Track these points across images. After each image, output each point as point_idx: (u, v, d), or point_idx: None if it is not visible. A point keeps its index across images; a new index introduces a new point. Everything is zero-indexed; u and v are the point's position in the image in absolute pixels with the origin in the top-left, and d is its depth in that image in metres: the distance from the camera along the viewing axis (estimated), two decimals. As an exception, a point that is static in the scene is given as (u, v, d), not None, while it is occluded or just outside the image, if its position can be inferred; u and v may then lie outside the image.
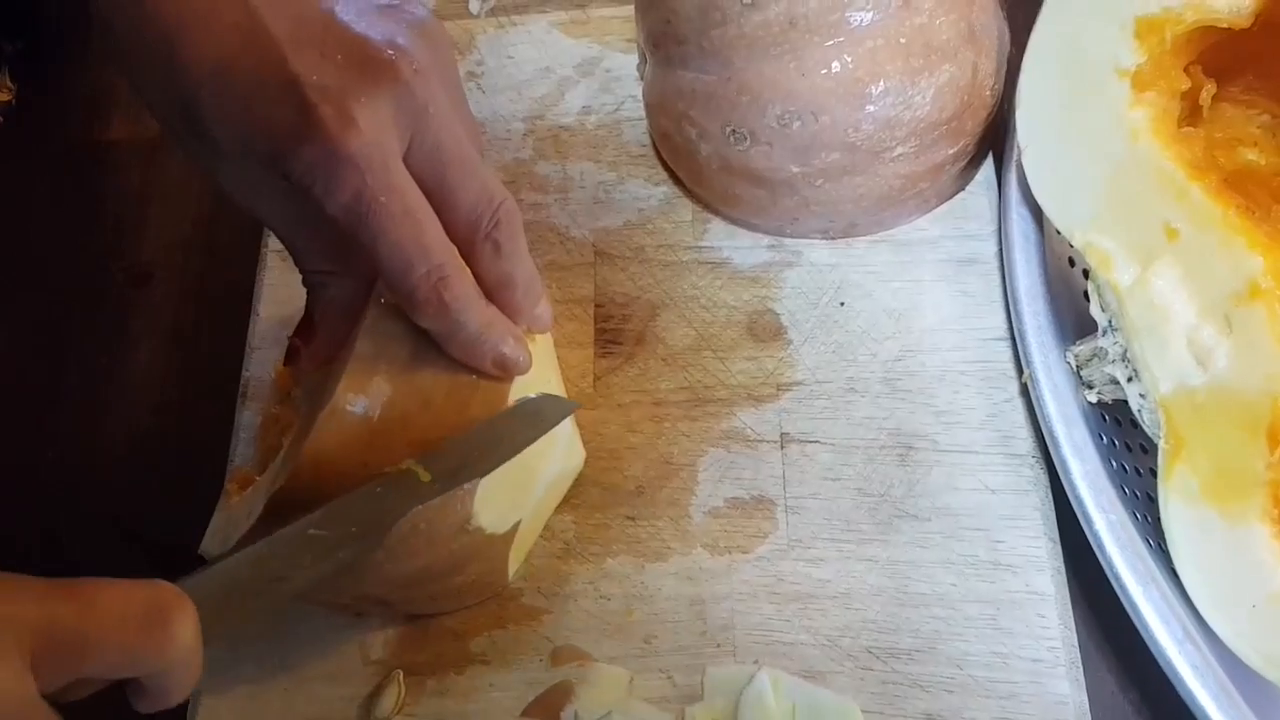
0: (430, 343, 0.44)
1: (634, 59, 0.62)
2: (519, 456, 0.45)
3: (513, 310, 0.45)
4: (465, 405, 0.45)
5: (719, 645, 0.49)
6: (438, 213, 0.41)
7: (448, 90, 0.43)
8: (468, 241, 0.43)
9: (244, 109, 0.39)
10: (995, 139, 0.58)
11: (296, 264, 0.46)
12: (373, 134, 0.39)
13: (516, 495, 0.48)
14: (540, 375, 0.47)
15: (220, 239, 0.67)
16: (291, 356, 0.48)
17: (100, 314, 0.66)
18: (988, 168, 0.58)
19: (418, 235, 0.40)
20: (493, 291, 0.44)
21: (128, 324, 0.66)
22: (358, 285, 0.46)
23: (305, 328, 0.47)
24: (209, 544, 0.47)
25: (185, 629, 0.35)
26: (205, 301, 0.65)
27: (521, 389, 0.47)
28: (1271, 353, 0.44)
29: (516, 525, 0.48)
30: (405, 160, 0.41)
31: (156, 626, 0.34)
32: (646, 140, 0.61)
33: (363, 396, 0.43)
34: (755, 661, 0.49)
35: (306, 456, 0.42)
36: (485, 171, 0.43)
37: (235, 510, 0.47)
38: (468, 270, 0.43)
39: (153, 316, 0.66)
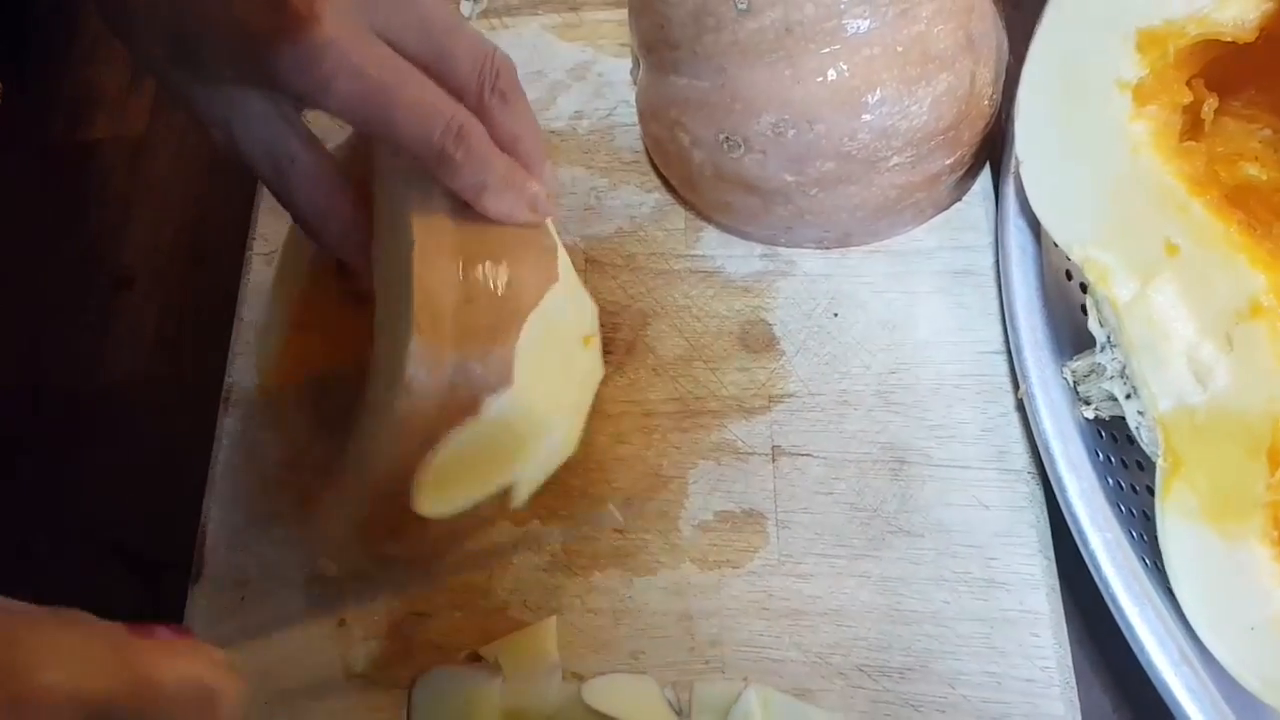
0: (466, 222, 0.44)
1: (627, 64, 0.62)
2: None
3: (527, 164, 0.45)
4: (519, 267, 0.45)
5: (707, 661, 0.48)
6: (440, 81, 0.41)
7: None
8: (475, 100, 0.43)
9: (225, 8, 0.39)
10: (993, 150, 0.57)
11: (286, 208, 0.44)
12: (340, 15, 0.39)
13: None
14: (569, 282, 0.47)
15: (204, 243, 0.66)
16: (358, 298, 0.47)
17: (82, 317, 0.65)
18: (985, 179, 0.58)
19: (423, 96, 0.40)
20: (506, 148, 0.44)
21: (109, 328, 0.65)
22: (351, 218, 0.45)
23: (346, 269, 0.47)
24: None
25: (230, 712, 0.35)
26: (188, 306, 0.65)
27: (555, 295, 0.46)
28: (1273, 372, 0.43)
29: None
30: (396, 41, 0.41)
31: (206, 710, 0.35)
32: (639, 146, 0.60)
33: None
34: (744, 678, 0.48)
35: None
36: (469, 27, 0.43)
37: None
38: (477, 119, 0.42)
39: (135, 320, 0.65)
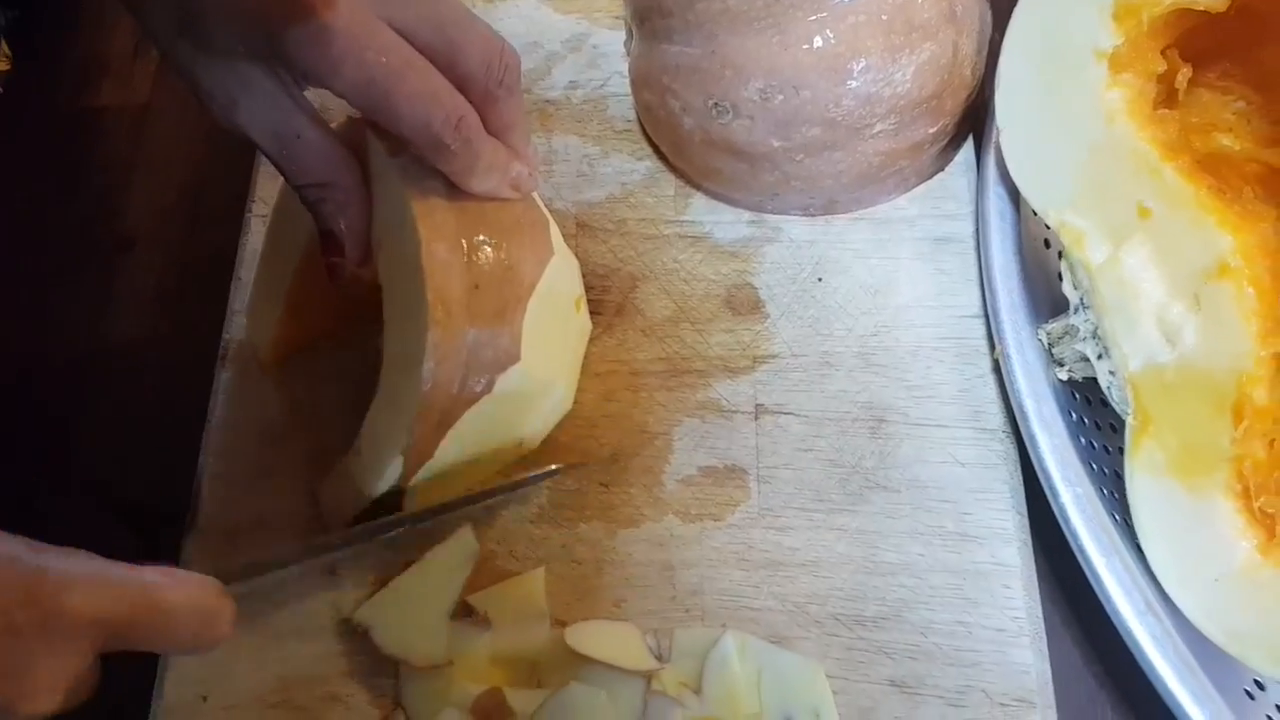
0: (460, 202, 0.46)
1: (621, 36, 0.63)
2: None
3: (517, 148, 0.47)
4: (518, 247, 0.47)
5: (688, 610, 0.50)
6: (448, 71, 0.43)
7: None
8: (482, 92, 0.45)
9: None
10: (976, 121, 0.58)
11: (289, 180, 0.45)
12: (354, 1, 0.41)
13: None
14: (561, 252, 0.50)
15: (205, 206, 0.67)
16: (336, 275, 0.48)
17: (84, 279, 0.66)
18: (968, 149, 0.59)
19: (426, 83, 0.42)
20: (499, 134, 0.46)
21: (111, 289, 0.66)
22: (354, 189, 0.46)
23: (330, 244, 0.47)
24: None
25: (227, 630, 0.40)
26: (189, 267, 0.66)
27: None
28: (1238, 330, 0.45)
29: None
30: (408, 32, 0.42)
31: (207, 628, 0.39)
32: (632, 116, 0.62)
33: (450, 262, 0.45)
34: (723, 625, 0.49)
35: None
36: (480, 21, 0.45)
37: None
38: (474, 110, 0.44)
39: (136, 282, 0.66)
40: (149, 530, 0.58)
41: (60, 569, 0.35)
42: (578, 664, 0.48)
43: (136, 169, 0.69)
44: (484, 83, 0.44)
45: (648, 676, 0.47)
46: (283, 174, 0.46)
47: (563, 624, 0.50)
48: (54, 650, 0.34)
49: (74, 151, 0.71)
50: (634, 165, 0.60)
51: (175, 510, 0.55)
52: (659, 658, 0.49)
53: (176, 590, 0.38)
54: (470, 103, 0.44)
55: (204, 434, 0.56)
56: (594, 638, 0.49)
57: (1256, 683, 0.47)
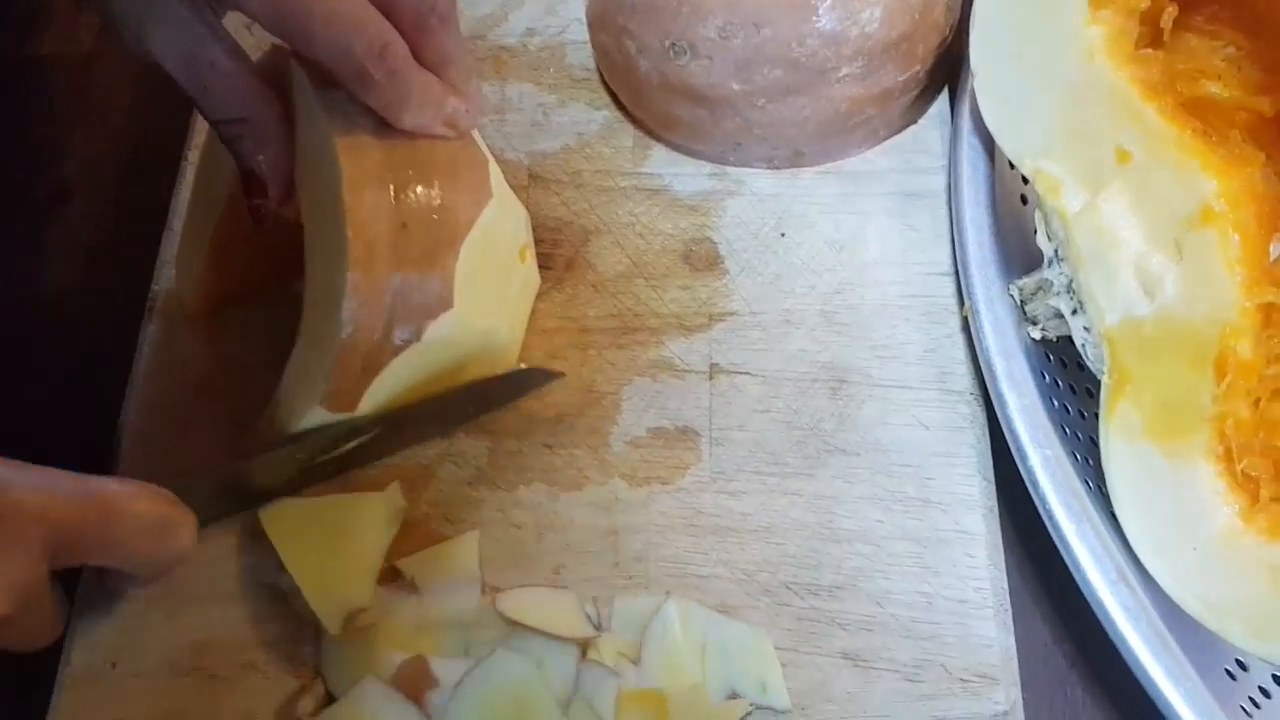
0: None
1: (582, -18, 0.60)
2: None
3: (455, 84, 0.43)
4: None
5: (631, 577, 0.47)
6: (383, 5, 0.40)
7: None
8: (413, 19, 0.41)
9: None
10: (951, 74, 0.55)
11: (206, 116, 0.42)
12: None
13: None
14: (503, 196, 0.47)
15: (144, 157, 0.65)
16: (258, 217, 0.45)
17: (19, 230, 0.63)
18: (942, 103, 0.56)
19: (347, 7, 0.39)
20: (434, 68, 0.42)
21: (46, 241, 0.63)
22: (273, 123, 0.43)
23: (252, 184, 0.44)
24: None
25: (188, 542, 0.40)
26: (125, 219, 0.63)
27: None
28: (1221, 279, 0.42)
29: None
30: None
31: (164, 538, 0.39)
32: (591, 65, 0.58)
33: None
34: (666, 593, 0.46)
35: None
36: None
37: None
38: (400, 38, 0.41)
39: (71, 233, 0.63)
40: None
41: (4, 468, 0.35)
42: (509, 632, 0.45)
43: (77, 119, 0.67)
44: (415, 9, 0.41)
45: (583, 645, 0.44)
46: (199, 109, 0.42)
47: (497, 590, 0.46)
48: None
49: (13, 101, 0.68)
50: (591, 115, 0.57)
51: (97, 468, 0.51)
52: (598, 627, 0.45)
53: (133, 498, 0.38)
54: (401, 33, 0.41)
55: (128, 386, 0.52)
56: (529, 606, 0.45)
57: (1238, 662, 0.44)
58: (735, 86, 0.50)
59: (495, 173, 0.47)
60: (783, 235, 0.53)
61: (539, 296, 0.52)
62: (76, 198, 0.64)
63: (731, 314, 0.52)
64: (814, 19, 0.48)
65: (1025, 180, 0.50)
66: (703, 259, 0.53)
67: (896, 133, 0.55)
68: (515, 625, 0.45)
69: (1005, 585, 0.46)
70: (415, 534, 0.48)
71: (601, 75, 0.58)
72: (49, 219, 0.64)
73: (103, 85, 0.67)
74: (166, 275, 0.55)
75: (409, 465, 0.49)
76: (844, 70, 0.50)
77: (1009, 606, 0.45)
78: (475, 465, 0.49)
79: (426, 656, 0.44)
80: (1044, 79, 0.46)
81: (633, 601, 0.46)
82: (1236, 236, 0.42)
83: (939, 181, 0.54)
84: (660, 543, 0.47)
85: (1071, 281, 0.45)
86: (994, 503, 0.47)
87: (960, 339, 0.50)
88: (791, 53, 0.49)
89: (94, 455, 0.51)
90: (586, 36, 0.58)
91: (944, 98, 0.56)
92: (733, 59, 0.49)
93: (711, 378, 0.50)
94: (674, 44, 0.50)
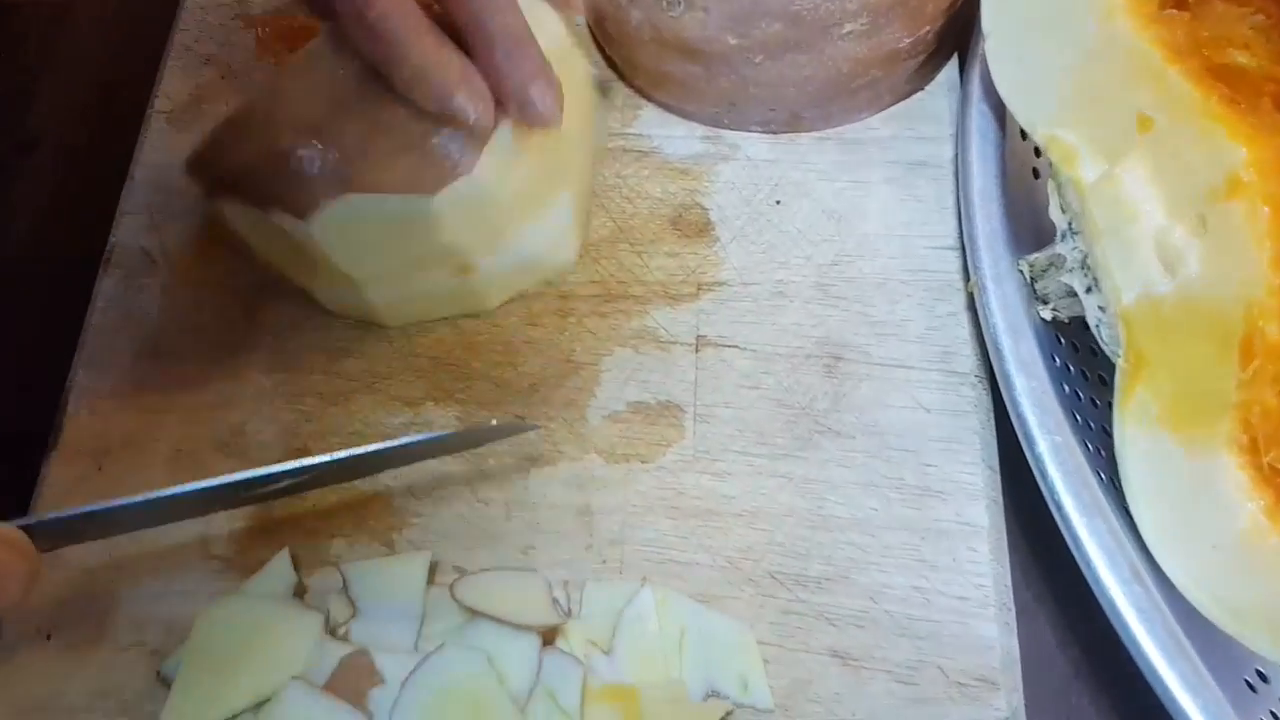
0: None
1: (573, -66, 0.57)
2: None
3: (495, 73, 0.39)
4: None
5: (604, 561, 0.43)
6: None
7: None
8: None
9: None
10: (961, 40, 0.52)
11: None
12: None
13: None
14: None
15: (113, 107, 0.62)
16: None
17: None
18: (951, 70, 0.53)
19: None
20: (472, 45, 0.38)
21: (10, 192, 0.60)
22: None
23: None
24: None
25: (15, 592, 0.35)
26: (90, 170, 0.60)
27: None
28: (1249, 255, 0.38)
29: None
30: None
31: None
32: (581, 21, 0.55)
33: None
34: (642, 579, 0.43)
35: None
36: None
37: None
38: None
39: (36, 184, 0.60)
40: (11, 449, 0.52)
41: None
42: (467, 619, 0.41)
43: (47, 69, 0.64)
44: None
45: (549, 634, 0.41)
46: None
47: (461, 571, 0.43)
48: None
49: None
50: (580, 74, 0.54)
51: (44, 429, 0.48)
52: (568, 613, 0.42)
53: None
54: None
55: (79, 343, 0.49)
56: (490, 593, 0.42)
57: (1259, 672, 0.41)
58: (731, 41, 0.47)
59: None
60: (778, 203, 0.50)
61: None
62: (42, 149, 0.62)
63: (721, 284, 0.49)
64: (818, -31, 0.45)
65: (1038, 153, 0.47)
66: (692, 225, 0.50)
67: (902, 99, 0.52)
68: (474, 614, 0.41)
69: (1008, 583, 0.43)
70: (374, 506, 0.45)
71: (593, 33, 0.54)
72: (12, 171, 0.61)
73: (75, 37, 0.66)
74: (126, 226, 0.52)
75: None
76: (848, 26, 0.47)
77: (1012, 606, 0.42)
78: (442, 437, 0.46)
79: (370, 651, 0.41)
80: (1059, 41, 0.43)
81: (605, 587, 0.42)
82: (1266, 209, 0.39)
83: (946, 151, 0.50)
84: (638, 524, 0.44)
85: (1086, 257, 0.42)
86: (998, 493, 0.44)
87: (965, 317, 0.47)
88: (792, 5, 0.46)
89: (39, 418, 0.49)
90: (578, -8, 0.55)
91: (953, 66, 0.53)
92: (730, 10, 0.46)
93: (697, 350, 0.47)
94: (668, -6, 0.47)
